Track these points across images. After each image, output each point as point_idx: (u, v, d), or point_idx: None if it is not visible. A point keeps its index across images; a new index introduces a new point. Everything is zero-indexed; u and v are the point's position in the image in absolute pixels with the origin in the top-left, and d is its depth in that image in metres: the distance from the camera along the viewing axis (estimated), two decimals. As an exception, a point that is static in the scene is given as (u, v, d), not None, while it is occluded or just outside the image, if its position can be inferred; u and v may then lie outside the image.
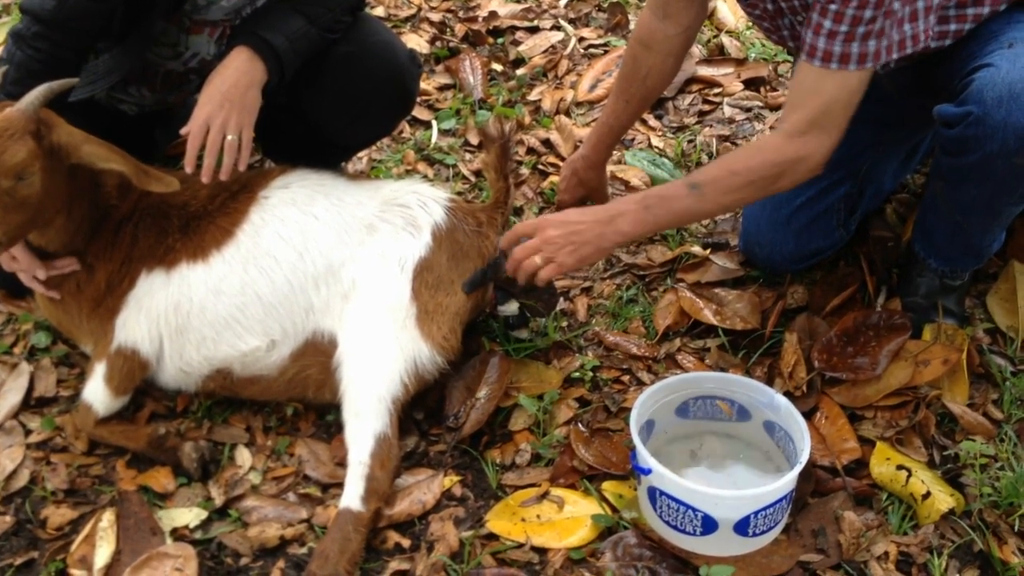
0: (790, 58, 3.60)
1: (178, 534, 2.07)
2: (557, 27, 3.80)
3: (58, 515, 2.10)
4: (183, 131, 2.22)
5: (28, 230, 2.10)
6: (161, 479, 2.17)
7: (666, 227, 2.13)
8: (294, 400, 2.32)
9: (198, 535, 2.07)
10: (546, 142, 3.22)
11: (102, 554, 2.01)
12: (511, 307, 2.37)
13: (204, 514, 2.10)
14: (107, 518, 2.07)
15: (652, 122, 3.31)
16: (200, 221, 2.28)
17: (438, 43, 3.67)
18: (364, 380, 2.17)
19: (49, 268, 2.21)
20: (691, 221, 2.07)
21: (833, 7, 1.94)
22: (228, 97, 2.20)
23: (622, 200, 2.18)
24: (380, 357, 2.19)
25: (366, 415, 2.13)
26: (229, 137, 2.20)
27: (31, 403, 2.35)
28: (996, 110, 1.98)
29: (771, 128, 2.07)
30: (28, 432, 2.28)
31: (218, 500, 2.14)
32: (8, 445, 2.24)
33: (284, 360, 2.25)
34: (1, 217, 1.99)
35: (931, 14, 2.03)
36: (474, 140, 3.22)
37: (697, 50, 3.60)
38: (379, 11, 3.80)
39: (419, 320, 2.23)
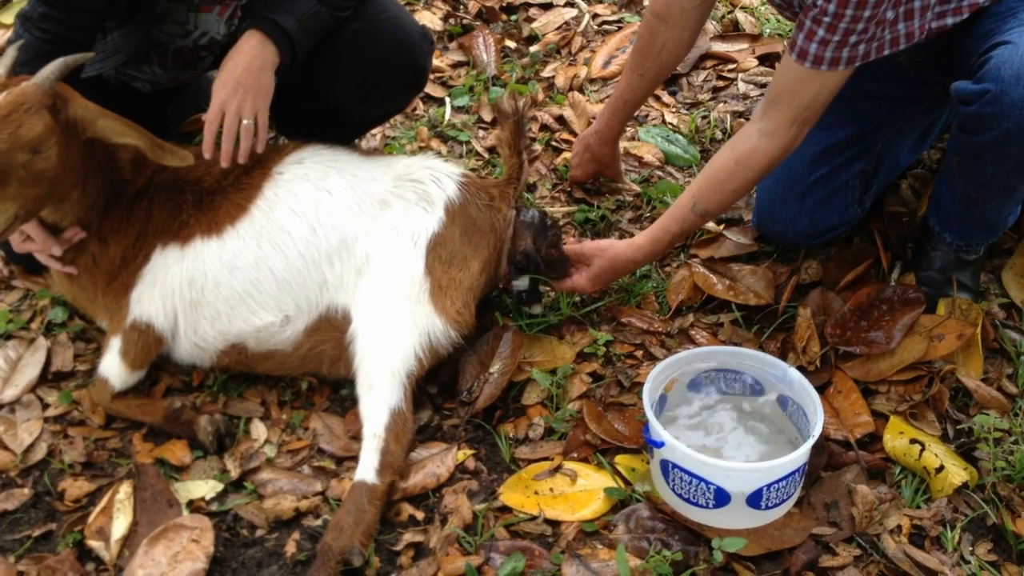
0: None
1: (194, 506, 2.09)
2: (570, 3, 3.78)
3: (76, 487, 2.12)
4: (202, 116, 2.23)
5: (44, 204, 2.11)
6: (177, 452, 2.19)
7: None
8: (309, 375, 2.33)
9: (214, 507, 2.09)
10: (559, 119, 3.21)
11: (119, 526, 2.03)
12: (524, 282, 2.38)
13: (220, 486, 2.12)
14: (124, 490, 2.09)
15: (666, 98, 3.30)
16: (214, 197, 2.29)
17: (451, 20, 3.66)
18: (378, 354, 2.18)
19: (62, 243, 2.23)
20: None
21: (827, 19, 1.98)
22: (241, 82, 2.21)
23: (653, 246, 2.35)
24: (394, 332, 2.20)
25: (380, 389, 2.14)
26: (245, 121, 2.21)
27: (48, 377, 2.37)
28: (1014, 88, 1.97)
29: (749, 120, 2.28)
30: (46, 406, 2.30)
31: (234, 473, 2.15)
32: (26, 419, 2.26)
33: (298, 335, 2.27)
34: (17, 191, 1.99)
35: (928, 11, 2.05)
36: (487, 117, 3.22)
37: (711, 26, 3.58)
38: (392, -12, 3.79)
39: (433, 295, 2.24)
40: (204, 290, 2.24)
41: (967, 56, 2.13)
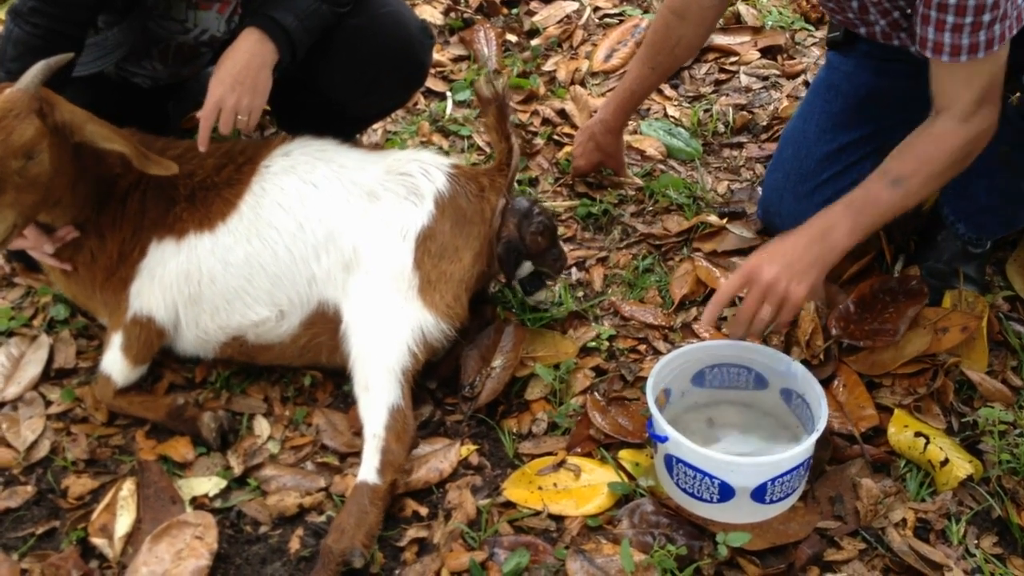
0: (809, 27, 3.57)
1: (198, 503, 2.09)
2: (571, -3, 3.77)
3: (79, 485, 2.12)
4: (197, 115, 2.22)
5: (40, 210, 2.10)
6: (180, 449, 2.19)
7: (876, 228, 2.14)
8: (309, 365, 2.33)
9: (217, 504, 2.09)
10: (561, 112, 3.20)
11: (123, 523, 2.03)
12: (525, 269, 2.36)
13: (223, 483, 2.12)
14: (127, 487, 2.09)
15: (668, 91, 3.29)
16: (207, 191, 2.27)
17: (452, 14, 3.65)
18: (372, 353, 2.16)
19: (54, 241, 2.22)
20: (894, 216, 2.10)
21: (952, 0, 1.88)
22: (240, 79, 2.20)
23: (826, 213, 2.10)
24: (386, 329, 2.17)
25: (377, 388, 2.13)
26: (240, 118, 2.21)
27: (51, 375, 2.37)
28: None
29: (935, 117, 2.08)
30: (48, 403, 2.30)
31: (237, 469, 2.15)
32: (29, 416, 2.26)
33: (295, 329, 2.25)
34: (14, 198, 1.99)
35: None
36: (489, 111, 3.20)
37: (713, 19, 3.57)
38: (393, -17, 3.78)
39: (422, 290, 2.22)
40: (201, 285, 2.23)
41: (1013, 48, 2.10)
